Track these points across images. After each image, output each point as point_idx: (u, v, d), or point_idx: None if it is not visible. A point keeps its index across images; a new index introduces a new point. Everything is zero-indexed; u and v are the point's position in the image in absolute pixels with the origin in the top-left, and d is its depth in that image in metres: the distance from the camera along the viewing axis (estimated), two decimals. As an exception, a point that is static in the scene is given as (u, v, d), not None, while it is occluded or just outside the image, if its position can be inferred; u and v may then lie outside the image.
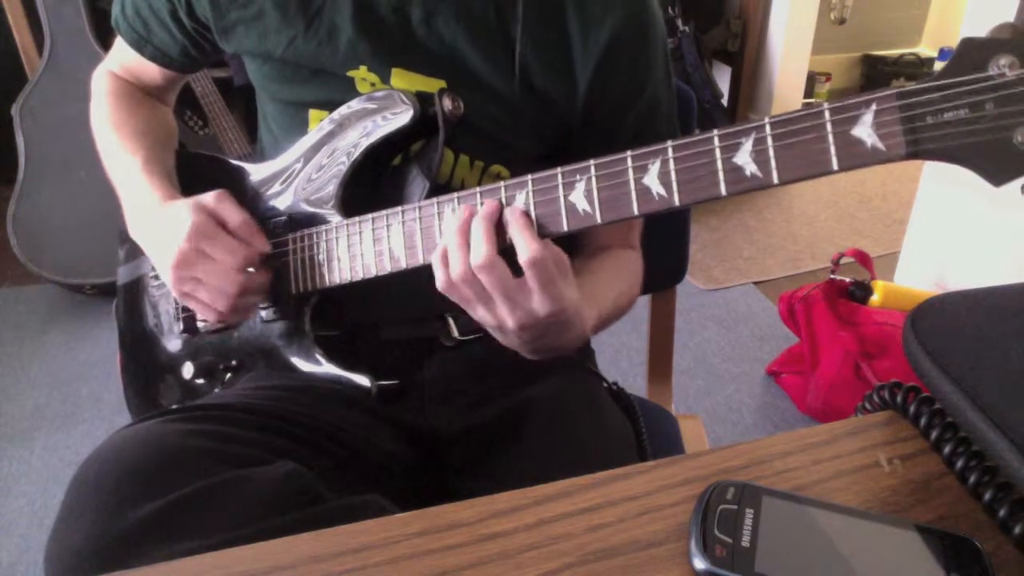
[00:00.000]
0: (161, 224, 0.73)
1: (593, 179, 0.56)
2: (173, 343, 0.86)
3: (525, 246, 0.57)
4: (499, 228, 0.59)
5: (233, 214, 0.71)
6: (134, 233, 0.79)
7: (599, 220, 0.56)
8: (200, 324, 0.82)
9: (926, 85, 0.45)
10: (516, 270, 0.58)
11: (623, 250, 0.81)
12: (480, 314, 0.61)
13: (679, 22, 2.64)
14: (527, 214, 0.58)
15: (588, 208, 0.56)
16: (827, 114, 0.47)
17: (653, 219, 0.85)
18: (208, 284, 0.70)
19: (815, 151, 0.48)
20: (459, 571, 0.39)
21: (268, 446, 0.64)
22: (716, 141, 0.51)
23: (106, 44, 2.07)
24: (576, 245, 0.80)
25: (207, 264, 0.70)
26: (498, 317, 0.60)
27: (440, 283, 0.61)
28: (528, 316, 0.59)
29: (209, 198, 0.71)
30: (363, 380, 0.73)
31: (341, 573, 0.39)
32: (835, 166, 0.48)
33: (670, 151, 0.53)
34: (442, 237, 0.61)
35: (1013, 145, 0.43)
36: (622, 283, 0.78)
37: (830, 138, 0.47)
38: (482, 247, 0.57)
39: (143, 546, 0.52)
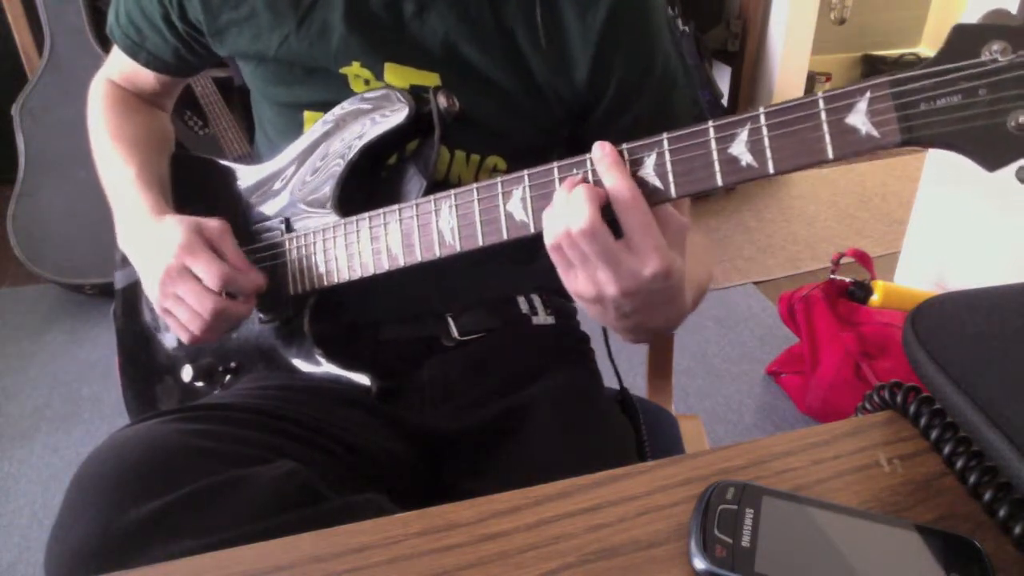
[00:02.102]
0: (150, 238, 0.74)
1: (590, 173, 0.56)
2: (172, 345, 0.86)
3: (615, 183, 0.53)
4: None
5: (229, 247, 0.72)
6: (124, 244, 0.79)
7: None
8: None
9: (919, 72, 0.45)
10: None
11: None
12: (579, 282, 0.56)
13: (679, 22, 2.64)
14: (619, 152, 0.54)
15: None
16: (821, 103, 0.47)
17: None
18: (186, 303, 0.71)
19: (810, 140, 0.48)
20: (459, 571, 0.39)
21: (268, 445, 0.64)
22: (712, 132, 0.51)
23: (106, 44, 2.07)
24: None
25: (188, 283, 0.70)
26: (598, 283, 0.55)
27: (547, 240, 0.56)
28: (633, 280, 0.54)
29: (211, 224, 0.72)
30: (363, 379, 0.73)
31: (341, 573, 0.39)
32: (830, 154, 0.48)
33: (665, 143, 0.53)
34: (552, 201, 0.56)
35: (1007, 130, 0.43)
36: (701, 262, 0.73)
37: (825, 126, 0.48)
38: (583, 209, 0.53)
39: (143, 545, 0.52)
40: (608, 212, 0.54)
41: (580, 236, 0.53)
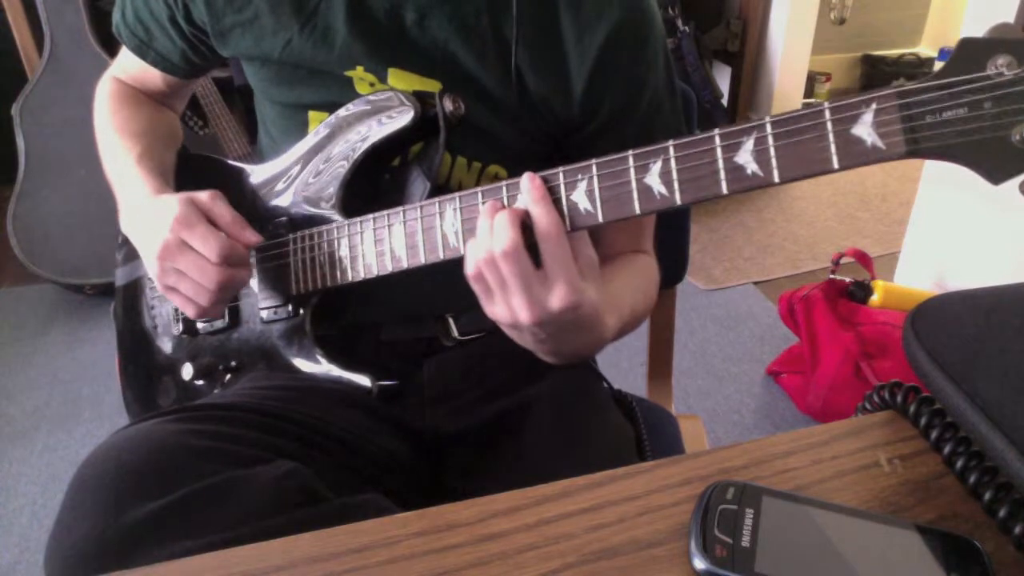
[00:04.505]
0: (149, 216, 0.73)
1: (595, 179, 0.56)
2: (172, 344, 0.86)
3: (540, 214, 0.56)
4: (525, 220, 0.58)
5: (223, 211, 0.71)
6: (125, 227, 0.79)
7: (601, 219, 0.56)
8: (200, 326, 0.82)
9: (925, 84, 0.45)
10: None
11: (636, 255, 0.81)
12: (497, 307, 0.59)
13: (679, 22, 2.64)
14: (545, 186, 0.57)
15: (590, 207, 0.56)
16: (827, 113, 0.48)
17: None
18: (189, 277, 0.70)
19: (816, 150, 0.48)
20: (459, 571, 0.39)
21: (268, 445, 0.64)
22: (717, 140, 0.51)
23: (106, 44, 2.07)
24: None
25: (188, 256, 0.69)
26: (513, 310, 0.58)
27: (468, 268, 0.59)
28: (543, 311, 0.57)
29: (202, 194, 0.71)
30: (363, 380, 0.73)
31: (341, 573, 0.39)
32: (835, 165, 0.48)
33: (671, 150, 0.53)
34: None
35: (1011, 144, 0.43)
36: (639, 289, 0.76)
37: (830, 137, 0.48)
38: (506, 233, 0.56)
39: (143, 545, 0.52)
40: (529, 242, 0.57)
41: (502, 258, 0.56)
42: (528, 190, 0.57)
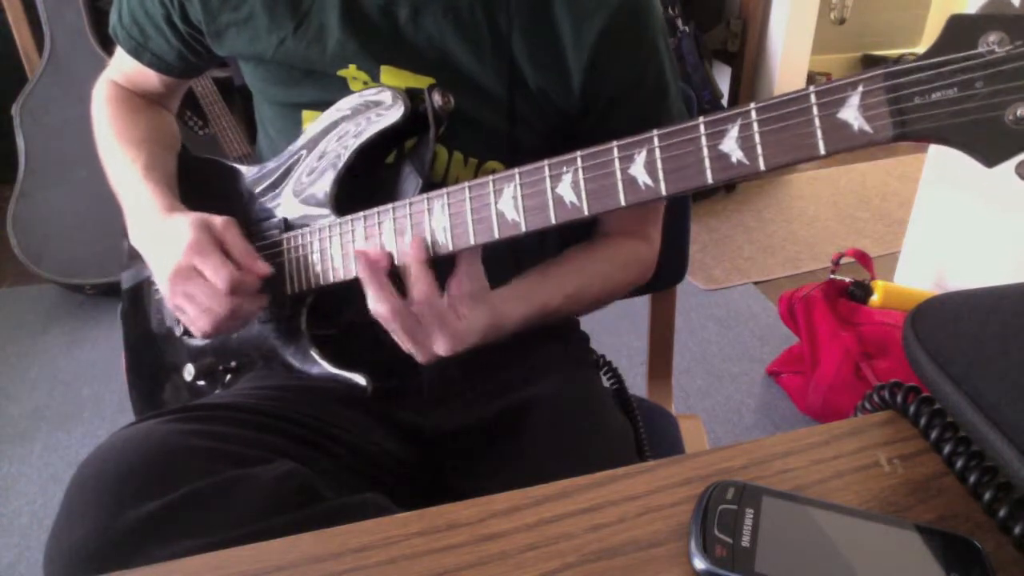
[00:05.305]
0: (161, 235, 0.74)
1: (580, 170, 0.55)
2: (175, 345, 0.86)
3: (418, 279, 0.63)
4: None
5: (236, 240, 0.71)
6: (135, 240, 0.79)
7: (586, 212, 0.56)
8: None
9: (913, 64, 0.44)
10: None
11: (626, 239, 0.81)
12: (416, 348, 0.67)
13: (679, 22, 2.64)
14: (425, 249, 0.63)
15: (575, 200, 0.56)
16: (813, 98, 0.46)
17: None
18: (198, 301, 0.71)
19: (801, 135, 0.47)
20: (459, 571, 0.39)
21: (268, 445, 0.64)
22: (702, 128, 0.51)
23: (106, 44, 2.07)
24: (581, 230, 0.81)
25: (199, 282, 0.70)
26: (427, 347, 0.66)
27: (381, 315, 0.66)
28: (459, 343, 0.66)
29: (216, 220, 0.71)
30: (359, 379, 0.73)
31: (341, 573, 0.39)
32: (822, 150, 0.47)
33: (656, 140, 0.52)
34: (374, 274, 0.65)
35: (1004, 124, 0.41)
36: (597, 271, 0.78)
37: (816, 122, 0.46)
38: (423, 282, 0.63)
39: (143, 545, 0.52)
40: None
41: (419, 305, 0.63)
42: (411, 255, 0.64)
